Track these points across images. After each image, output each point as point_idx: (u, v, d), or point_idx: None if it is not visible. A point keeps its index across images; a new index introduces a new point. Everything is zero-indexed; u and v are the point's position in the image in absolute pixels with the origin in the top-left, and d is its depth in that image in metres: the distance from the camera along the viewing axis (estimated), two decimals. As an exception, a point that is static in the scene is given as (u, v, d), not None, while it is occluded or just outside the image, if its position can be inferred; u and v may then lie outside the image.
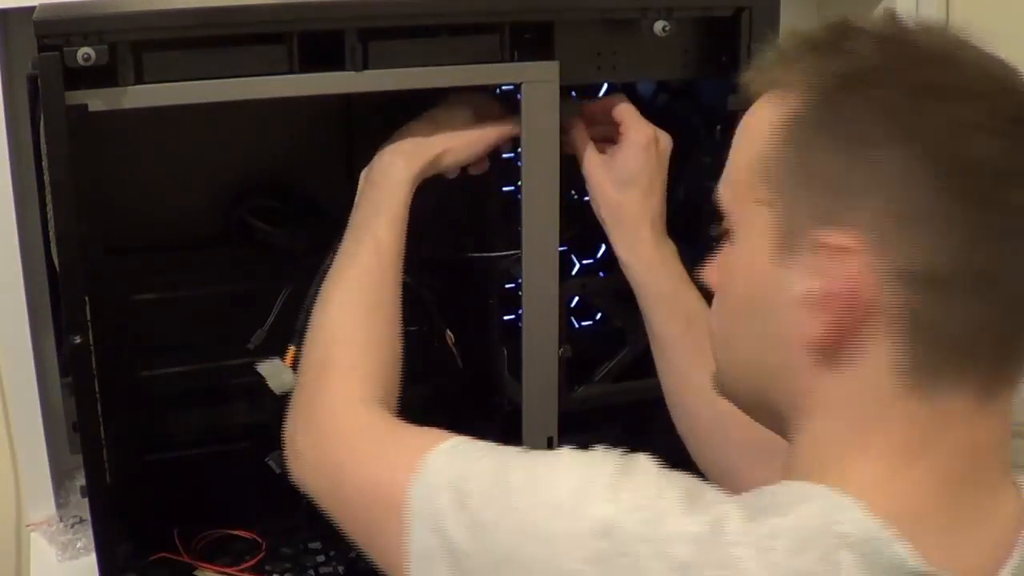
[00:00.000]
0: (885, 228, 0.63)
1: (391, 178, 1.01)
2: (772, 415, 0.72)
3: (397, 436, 0.81)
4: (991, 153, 0.62)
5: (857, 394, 0.65)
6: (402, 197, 1.00)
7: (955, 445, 0.64)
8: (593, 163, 1.08)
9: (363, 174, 1.04)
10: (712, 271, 0.77)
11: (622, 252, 1.07)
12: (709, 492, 0.65)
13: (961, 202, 0.61)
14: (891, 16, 0.70)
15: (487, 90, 1.10)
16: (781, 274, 0.67)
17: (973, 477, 0.64)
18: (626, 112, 1.09)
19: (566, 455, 0.68)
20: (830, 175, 0.65)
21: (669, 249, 1.08)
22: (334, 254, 1.00)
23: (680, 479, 0.65)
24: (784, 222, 0.67)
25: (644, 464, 0.67)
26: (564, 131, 1.07)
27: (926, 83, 0.64)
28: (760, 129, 0.69)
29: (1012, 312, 0.63)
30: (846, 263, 0.63)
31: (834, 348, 0.65)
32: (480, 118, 1.08)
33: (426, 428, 0.80)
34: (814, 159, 0.66)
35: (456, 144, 1.05)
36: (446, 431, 0.77)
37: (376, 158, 1.04)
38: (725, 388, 0.77)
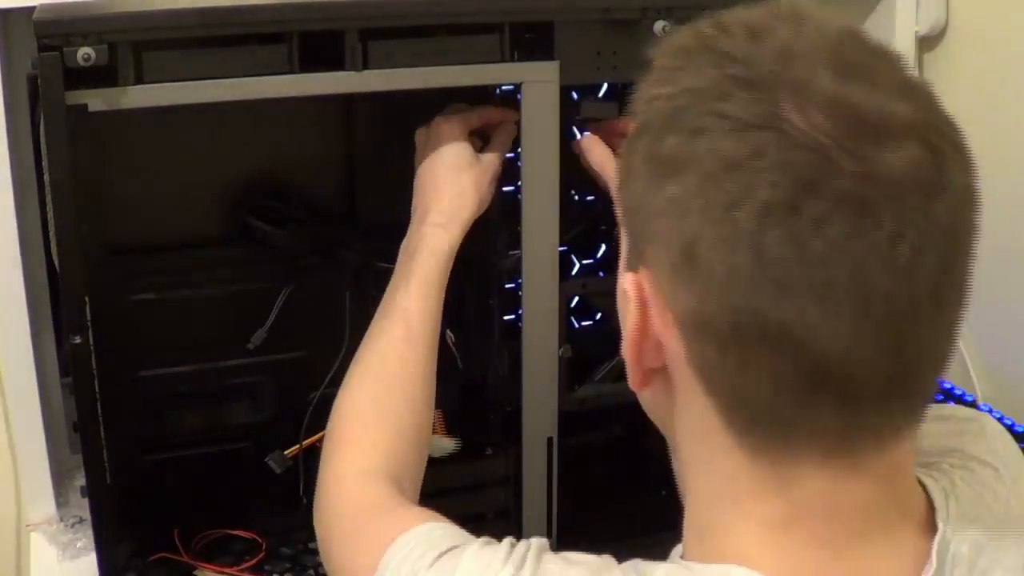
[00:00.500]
0: (665, 271, 0.58)
1: (428, 248, 0.99)
2: None
3: (374, 518, 0.81)
4: (757, 193, 0.54)
5: (705, 454, 0.61)
6: (440, 267, 0.99)
7: (831, 515, 0.58)
8: None
9: (401, 246, 1.03)
10: None
11: None
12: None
13: (731, 244, 0.54)
14: (772, 12, 0.60)
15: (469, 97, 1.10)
16: (623, 308, 0.63)
17: (867, 534, 0.59)
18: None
19: (470, 557, 0.67)
20: (637, 206, 0.61)
21: None
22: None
23: (580, 568, 0.63)
24: (625, 252, 0.65)
25: (543, 555, 0.65)
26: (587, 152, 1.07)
27: (729, 108, 0.56)
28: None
29: (816, 373, 0.55)
30: (634, 310, 0.61)
31: (666, 398, 0.63)
32: (482, 127, 1.08)
33: (400, 510, 0.81)
34: (630, 184, 0.62)
35: (484, 185, 1.04)
36: (419, 513, 0.78)
37: (414, 229, 1.02)
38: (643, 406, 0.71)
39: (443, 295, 0.99)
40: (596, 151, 1.06)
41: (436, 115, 1.07)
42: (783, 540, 0.58)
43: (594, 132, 1.10)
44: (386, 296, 1.00)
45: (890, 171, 0.53)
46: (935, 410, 0.65)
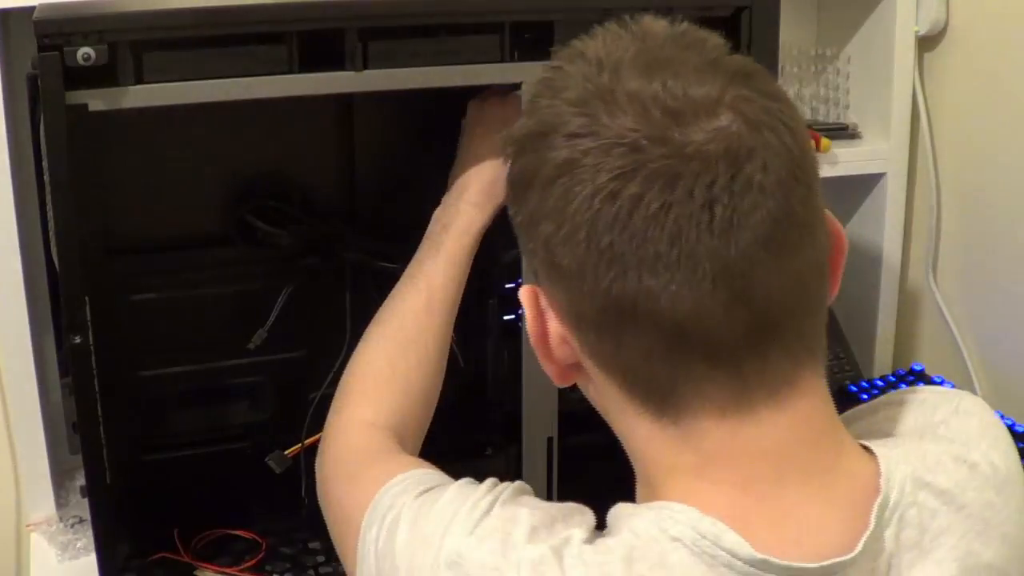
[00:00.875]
0: (543, 280, 0.67)
1: (460, 227, 1.03)
2: None
3: (374, 463, 0.85)
4: (583, 190, 0.61)
5: (628, 427, 0.67)
6: (468, 245, 1.02)
7: (735, 459, 0.63)
8: None
9: (434, 214, 1.05)
10: None
11: None
12: (571, 519, 0.67)
13: (572, 240, 0.62)
14: (602, 31, 0.69)
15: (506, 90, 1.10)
16: None
17: (783, 477, 0.63)
18: None
19: (452, 490, 0.72)
20: (517, 230, 0.69)
21: None
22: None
23: (551, 509, 0.67)
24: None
25: (519, 498, 0.69)
26: None
27: (544, 143, 0.64)
28: None
29: (675, 337, 0.61)
30: (531, 316, 0.68)
31: (586, 386, 0.70)
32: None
33: (400, 457, 0.86)
34: (510, 215, 0.69)
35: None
36: (415, 462, 0.83)
37: (451, 202, 1.05)
38: None
39: (468, 271, 1.03)
40: None
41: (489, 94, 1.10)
42: (701, 485, 0.64)
43: None
44: (414, 262, 1.03)
45: (695, 146, 0.59)
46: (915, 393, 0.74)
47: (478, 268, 1.16)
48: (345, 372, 0.99)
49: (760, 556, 0.61)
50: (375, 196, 1.20)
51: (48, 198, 0.94)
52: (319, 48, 0.97)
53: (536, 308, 0.68)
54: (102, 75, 0.91)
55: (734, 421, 0.63)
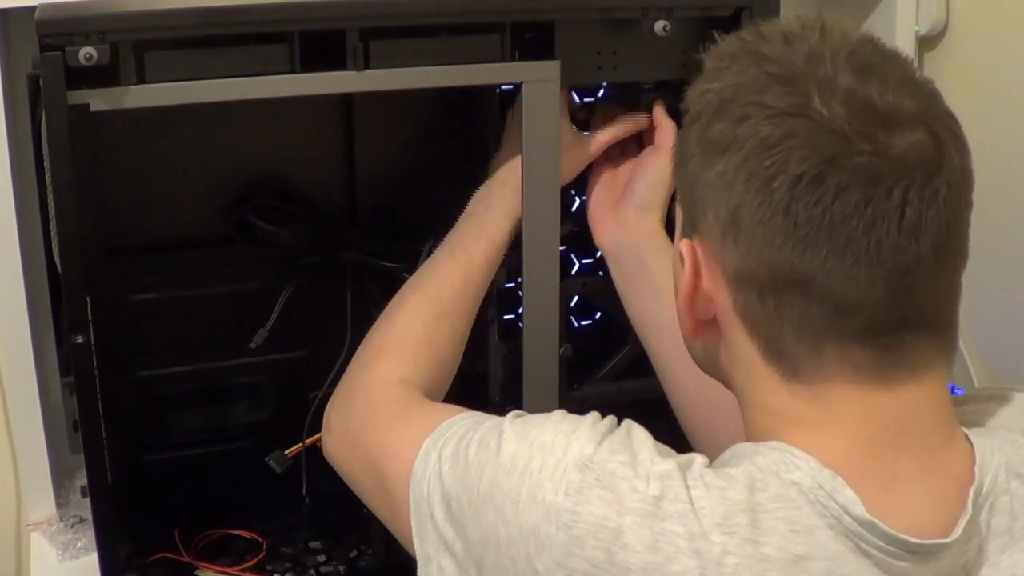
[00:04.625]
0: (715, 236, 0.71)
1: (503, 209, 1.06)
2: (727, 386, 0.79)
3: (421, 408, 0.88)
4: (789, 167, 0.67)
5: (751, 381, 0.73)
6: (508, 230, 1.05)
7: (860, 419, 0.69)
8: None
9: (476, 195, 1.08)
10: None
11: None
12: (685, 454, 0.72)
13: (768, 209, 0.67)
14: (803, 23, 0.73)
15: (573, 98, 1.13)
16: (678, 272, 0.77)
17: (902, 444, 0.69)
18: (661, 114, 1.13)
19: (559, 413, 0.76)
20: (691, 181, 0.74)
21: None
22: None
23: (663, 447, 0.72)
24: (680, 224, 0.78)
25: (632, 428, 0.73)
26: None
27: (767, 99, 0.69)
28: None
29: (839, 311, 0.67)
30: (688, 271, 0.73)
31: (716, 343, 0.75)
32: (576, 127, 1.12)
33: (447, 405, 0.89)
34: (685, 164, 0.75)
35: (570, 164, 1.10)
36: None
37: (495, 185, 1.07)
38: (693, 358, 0.83)
39: (502, 257, 1.06)
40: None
41: None
42: (823, 438, 0.69)
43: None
44: (452, 238, 1.05)
45: (897, 152, 0.66)
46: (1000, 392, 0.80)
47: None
48: (374, 330, 1.00)
49: (869, 518, 0.65)
50: (375, 196, 1.20)
51: (49, 198, 0.94)
52: (320, 48, 0.98)
53: (695, 261, 0.73)
54: (104, 75, 0.91)
55: (869, 390, 0.68)
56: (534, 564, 0.66)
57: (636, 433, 0.72)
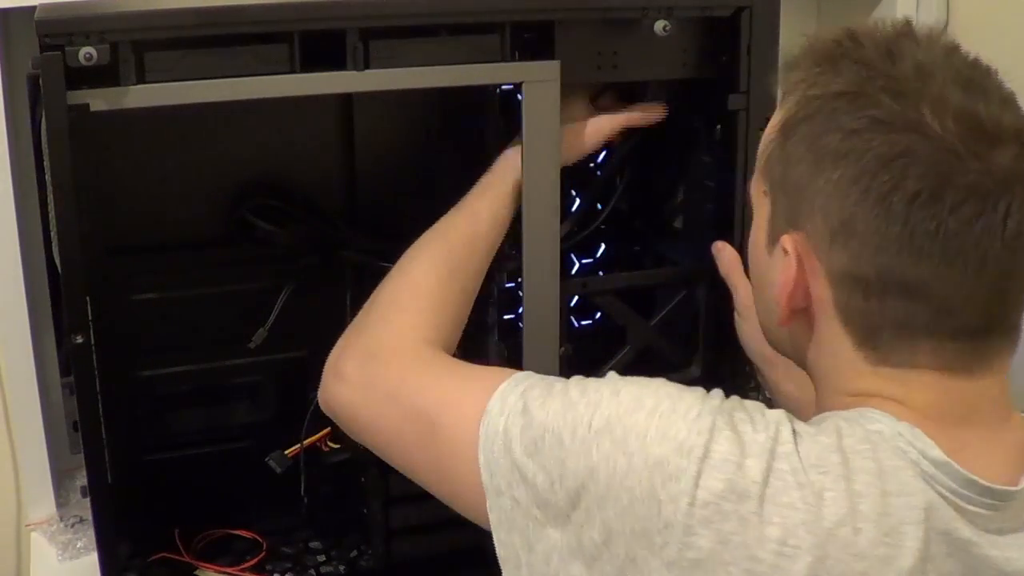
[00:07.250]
0: (823, 237, 0.75)
1: (508, 166, 1.07)
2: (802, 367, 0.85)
3: (469, 364, 0.91)
4: (907, 184, 0.71)
5: (836, 364, 0.79)
6: (513, 183, 1.06)
7: (939, 400, 0.76)
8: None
9: (489, 169, 1.09)
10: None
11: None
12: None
13: (884, 220, 0.72)
14: (897, 31, 0.77)
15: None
16: (768, 262, 0.81)
17: (970, 421, 0.76)
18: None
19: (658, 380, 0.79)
20: (798, 183, 0.77)
21: None
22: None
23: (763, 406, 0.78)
24: (772, 217, 0.81)
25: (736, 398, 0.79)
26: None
27: (880, 113, 0.73)
28: (771, 126, 0.81)
29: (942, 313, 0.73)
30: (793, 264, 0.77)
31: (805, 329, 0.80)
32: (596, 108, 1.13)
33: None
34: (791, 166, 0.78)
35: (583, 138, 1.12)
36: None
37: (509, 154, 1.08)
38: (768, 340, 0.89)
39: (514, 209, 1.07)
40: (726, 255, 1.13)
41: None
42: (900, 409, 0.75)
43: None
44: (460, 203, 1.06)
45: (1001, 167, 0.71)
46: None
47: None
48: (390, 279, 1.01)
49: (945, 459, 0.72)
50: (375, 196, 1.20)
51: (49, 198, 0.94)
52: (320, 48, 0.98)
53: (798, 254, 0.77)
54: (103, 75, 0.91)
55: (953, 378, 0.76)
56: (657, 494, 0.71)
57: (744, 400, 0.78)
